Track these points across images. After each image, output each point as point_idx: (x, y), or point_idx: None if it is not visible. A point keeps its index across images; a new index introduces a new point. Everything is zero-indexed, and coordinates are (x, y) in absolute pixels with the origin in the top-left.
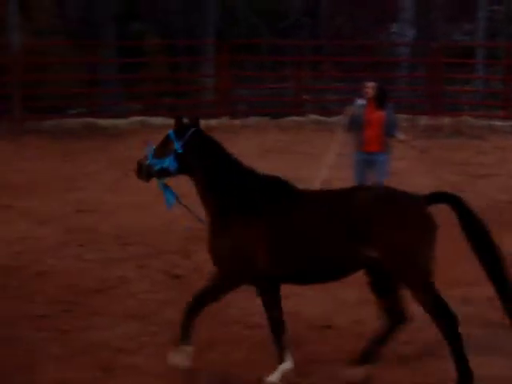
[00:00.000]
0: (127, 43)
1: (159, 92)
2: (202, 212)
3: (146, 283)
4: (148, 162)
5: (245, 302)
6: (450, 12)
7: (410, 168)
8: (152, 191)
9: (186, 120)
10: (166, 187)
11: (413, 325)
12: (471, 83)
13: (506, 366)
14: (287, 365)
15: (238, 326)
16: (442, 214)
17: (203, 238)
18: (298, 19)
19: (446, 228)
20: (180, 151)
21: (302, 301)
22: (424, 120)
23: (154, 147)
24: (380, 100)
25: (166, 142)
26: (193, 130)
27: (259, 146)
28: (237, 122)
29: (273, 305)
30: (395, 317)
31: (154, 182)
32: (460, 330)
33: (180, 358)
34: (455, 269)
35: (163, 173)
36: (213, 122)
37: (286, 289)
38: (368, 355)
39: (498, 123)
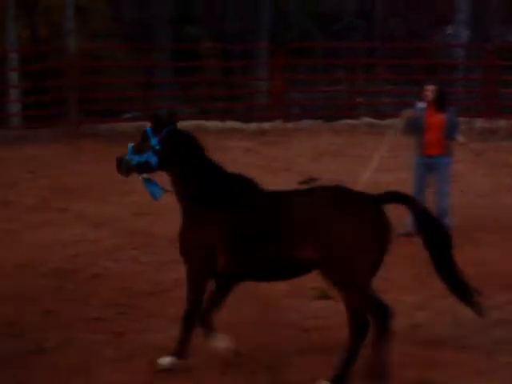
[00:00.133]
0: (182, 46)
1: (213, 96)
2: None
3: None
4: (127, 157)
5: (301, 305)
6: (504, 13)
7: (466, 171)
8: None
9: (163, 117)
10: (147, 181)
11: None
12: None
13: None
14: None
15: (294, 329)
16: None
17: None
18: (352, 21)
19: None
20: (157, 147)
21: None
22: (479, 122)
23: (133, 144)
24: (440, 103)
25: (144, 138)
26: (169, 127)
27: (313, 149)
28: (290, 125)
29: (214, 299)
30: (381, 313)
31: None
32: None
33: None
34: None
35: (141, 168)
36: (266, 125)
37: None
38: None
39: None
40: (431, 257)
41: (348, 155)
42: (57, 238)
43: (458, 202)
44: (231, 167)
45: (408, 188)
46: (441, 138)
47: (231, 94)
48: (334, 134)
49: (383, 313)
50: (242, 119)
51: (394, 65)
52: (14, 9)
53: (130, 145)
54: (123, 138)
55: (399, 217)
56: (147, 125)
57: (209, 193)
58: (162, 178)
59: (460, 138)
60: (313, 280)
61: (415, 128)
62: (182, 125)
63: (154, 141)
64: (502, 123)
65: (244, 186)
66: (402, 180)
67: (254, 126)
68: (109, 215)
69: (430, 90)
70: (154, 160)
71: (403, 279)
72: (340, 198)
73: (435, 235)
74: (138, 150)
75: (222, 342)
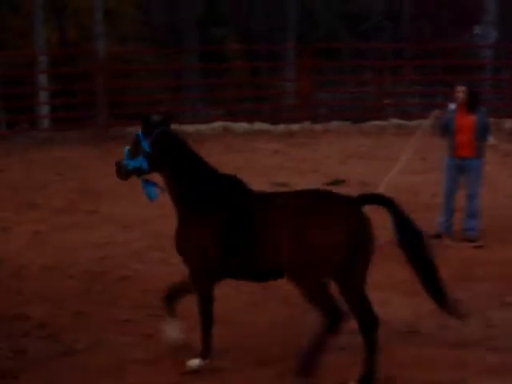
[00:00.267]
0: (209, 48)
1: (240, 97)
2: None
3: (229, 287)
4: (124, 162)
5: None
6: None
7: (494, 171)
8: None
9: (153, 119)
10: (147, 183)
11: None
12: None
13: None
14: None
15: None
16: None
17: None
18: (380, 22)
19: None
20: (148, 150)
21: (389, 305)
22: (508, 123)
23: (129, 148)
24: (471, 104)
25: (137, 142)
26: (159, 129)
27: (340, 151)
28: (318, 126)
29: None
30: (367, 319)
31: None
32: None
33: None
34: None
35: (138, 172)
36: (294, 126)
37: (373, 294)
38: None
39: None
40: (407, 258)
41: (376, 157)
42: (85, 240)
43: (486, 203)
44: (258, 169)
45: (436, 189)
46: (472, 140)
47: (258, 95)
48: (361, 135)
49: (370, 322)
50: (269, 120)
51: (422, 66)
52: (44, 12)
53: (126, 148)
54: None
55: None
56: (175, 127)
57: (198, 194)
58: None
59: (491, 140)
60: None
61: (446, 130)
62: (210, 127)
63: (144, 144)
64: None
65: (232, 187)
66: (431, 182)
67: (281, 127)
68: (137, 217)
69: (461, 91)
70: (145, 164)
71: None
72: (317, 200)
73: (411, 239)
74: (132, 154)
75: (173, 332)
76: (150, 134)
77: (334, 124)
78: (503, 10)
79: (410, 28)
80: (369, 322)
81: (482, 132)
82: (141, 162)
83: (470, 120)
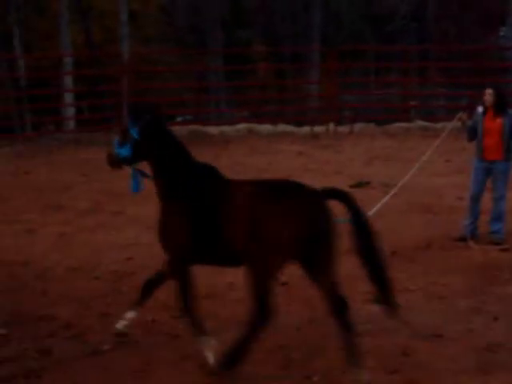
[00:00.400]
0: (233, 50)
1: (265, 99)
2: None
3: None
4: (115, 151)
5: (352, 309)
6: None
7: None
8: None
9: (140, 108)
10: (136, 174)
11: None
12: None
13: None
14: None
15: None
16: None
17: None
18: (405, 24)
19: None
20: (136, 137)
21: (413, 309)
22: None
23: (118, 138)
24: (499, 107)
25: (125, 130)
26: (147, 117)
27: (366, 153)
28: (343, 128)
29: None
30: (337, 303)
31: None
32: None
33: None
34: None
35: (127, 160)
36: (318, 128)
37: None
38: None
39: None
40: (358, 252)
41: (401, 159)
42: (110, 242)
43: (510, 206)
44: (282, 170)
45: (461, 192)
46: (500, 143)
47: (283, 97)
48: (386, 137)
49: (340, 304)
50: (293, 122)
51: (447, 67)
52: (69, 14)
53: (116, 139)
54: None
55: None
56: (200, 129)
57: (176, 182)
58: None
59: None
60: (365, 284)
61: (474, 132)
62: (234, 128)
63: (133, 131)
64: None
65: (206, 175)
66: (456, 184)
67: (305, 129)
68: None
69: (488, 94)
70: (133, 150)
71: (459, 283)
72: (279, 190)
73: (365, 233)
74: (121, 143)
75: (119, 325)
76: (138, 122)
77: (359, 126)
78: None
79: (434, 30)
80: (339, 306)
81: (510, 135)
82: (129, 149)
83: (497, 123)
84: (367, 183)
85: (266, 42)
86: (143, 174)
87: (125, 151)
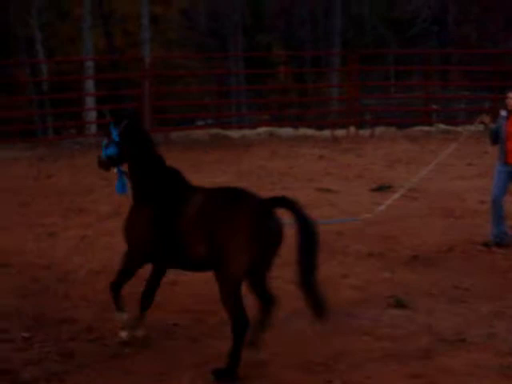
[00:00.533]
0: (254, 54)
1: (286, 103)
2: None
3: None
4: (102, 153)
5: (374, 313)
6: None
7: None
8: None
9: (122, 112)
10: (121, 174)
11: None
12: None
13: None
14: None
15: (368, 338)
16: None
17: (331, 249)
18: (426, 27)
19: None
20: (116, 140)
21: (434, 313)
22: None
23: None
24: None
25: (108, 133)
26: (126, 120)
27: (387, 156)
28: (364, 132)
29: (152, 281)
30: (267, 301)
31: None
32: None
33: (123, 331)
34: None
35: (111, 161)
36: (339, 132)
37: (419, 301)
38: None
39: None
40: (298, 259)
41: (422, 162)
42: None
43: None
44: (303, 174)
45: (483, 195)
46: None
47: (304, 100)
48: (408, 140)
49: (270, 301)
50: (314, 126)
51: (468, 71)
52: (91, 18)
53: (103, 142)
54: (197, 145)
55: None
56: (221, 132)
57: (145, 183)
58: None
59: None
60: (388, 288)
61: (497, 136)
62: (255, 132)
63: (114, 134)
64: None
65: (172, 180)
66: (478, 187)
67: (326, 132)
68: None
69: (510, 98)
70: (115, 151)
71: (481, 288)
72: (229, 199)
73: (309, 243)
74: (106, 145)
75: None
76: (118, 125)
77: (380, 129)
78: None
79: (456, 33)
80: (270, 303)
81: None
82: (111, 150)
83: None
84: (389, 187)
85: (286, 45)
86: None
87: (107, 152)
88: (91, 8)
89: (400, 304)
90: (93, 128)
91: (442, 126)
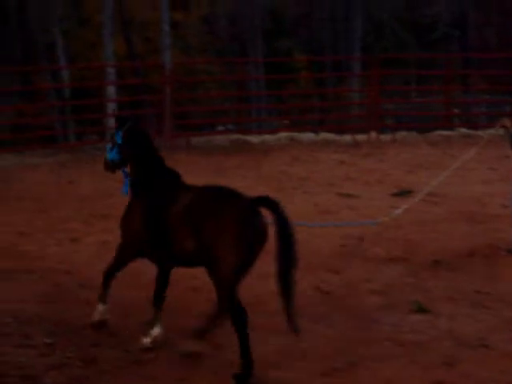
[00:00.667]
0: (275, 60)
1: (306, 108)
2: None
3: (296, 299)
4: (107, 156)
5: (396, 318)
6: None
7: None
8: (304, 209)
9: (124, 116)
10: (126, 176)
11: None
12: None
13: None
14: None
15: (390, 343)
16: None
17: (353, 255)
18: (447, 32)
19: None
20: (119, 142)
21: (456, 318)
22: None
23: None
24: None
25: (113, 136)
26: (129, 124)
27: (408, 161)
28: (385, 136)
29: (159, 280)
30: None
31: None
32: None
33: (97, 314)
34: None
35: (115, 163)
36: (361, 137)
37: (442, 306)
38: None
39: None
40: (277, 258)
41: (444, 167)
42: None
43: None
44: (324, 179)
45: (503, 199)
46: None
47: (324, 105)
48: (429, 145)
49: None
50: (335, 131)
51: (489, 75)
52: (112, 25)
53: (108, 145)
54: (217, 150)
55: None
56: (241, 138)
57: (143, 181)
58: None
59: None
60: (409, 293)
61: None
62: (275, 137)
63: (117, 137)
64: None
65: (168, 179)
66: (500, 192)
67: (347, 137)
68: None
69: None
70: (118, 153)
71: (504, 292)
72: (215, 198)
73: (287, 244)
74: (110, 148)
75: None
76: (121, 129)
77: (401, 134)
78: None
79: (477, 37)
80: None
81: None
82: (114, 153)
83: None
84: (409, 192)
85: (306, 50)
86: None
87: (111, 155)
88: (112, 14)
89: (422, 309)
90: None
91: (464, 131)
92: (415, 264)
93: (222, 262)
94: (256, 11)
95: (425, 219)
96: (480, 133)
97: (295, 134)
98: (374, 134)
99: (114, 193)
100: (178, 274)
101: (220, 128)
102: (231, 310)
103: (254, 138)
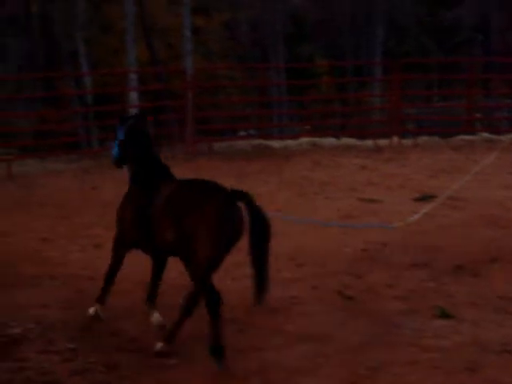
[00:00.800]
0: (296, 65)
1: (328, 113)
2: None
3: (318, 304)
4: (112, 152)
5: (418, 323)
6: None
7: None
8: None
9: (127, 114)
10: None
11: None
12: None
13: None
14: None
15: (413, 349)
16: None
17: (375, 259)
18: (469, 36)
19: None
20: (121, 138)
21: (479, 324)
22: None
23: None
24: None
25: (116, 134)
26: (131, 121)
27: (430, 166)
28: (406, 141)
29: (155, 271)
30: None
31: None
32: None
33: (92, 310)
34: None
35: (120, 158)
36: (382, 141)
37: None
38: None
39: None
40: (251, 249)
41: (466, 172)
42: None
43: None
44: (346, 184)
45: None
46: None
47: (346, 110)
48: (451, 150)
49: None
50: (356, 136)
51: (511, 79)
52: (135, 31)
53: (115, 142)
54: (239, 155)
55: None
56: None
57: (138, 177)
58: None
59: None
60: (432, 298)
61: None
62: (297, 142)
63: (120, 133)
64: None
65: (161, 175)
66: None
67: (369, 142)
68: None
69: None
70: (119, 151)
71: None
72: (195, 189)
73: (260, 233)
74: (115, 145)
75: (156, 320)
76: (123, 125)
77: (423, 139)
78: None
79: (500, 41)
80: (216, 298)
81: None
82: (117, 150)
83: None
84: (432, 197)
85: (328, 56)
86: None
87: (115, 150)
88: (134, 21)
89: (445, 314)
90: None
91: (486, 135)
92: (437, 269)
93: (199, 253)
94: (277, 17)
95: (447, 224)
96: (502, 137)
97: (317, 139)
98: (395, 139)
99: None
100: None
101: (242, 133)
102: (205, 293)
103: (275, 143)
